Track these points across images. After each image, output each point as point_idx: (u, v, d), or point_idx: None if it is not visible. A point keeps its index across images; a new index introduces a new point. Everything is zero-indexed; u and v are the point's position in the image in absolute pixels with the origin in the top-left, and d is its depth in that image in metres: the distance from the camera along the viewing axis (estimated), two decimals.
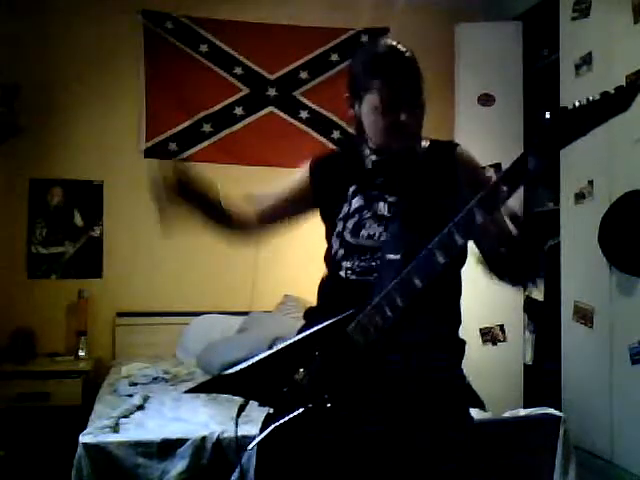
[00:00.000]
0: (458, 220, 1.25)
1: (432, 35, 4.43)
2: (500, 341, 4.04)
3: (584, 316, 3.35)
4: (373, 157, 1.58)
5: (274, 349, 1.48)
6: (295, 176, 1.73)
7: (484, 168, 1.63)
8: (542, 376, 3.94)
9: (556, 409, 2.44)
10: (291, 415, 1.41)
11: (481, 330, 3.99)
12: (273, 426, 1.43)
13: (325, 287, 1.65)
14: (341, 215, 1.59)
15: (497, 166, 4.00)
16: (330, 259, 1.61)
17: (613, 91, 1.06)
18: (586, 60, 3.38)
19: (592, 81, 3.34)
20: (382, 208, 1.55)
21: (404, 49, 1.52)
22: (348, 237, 1.57)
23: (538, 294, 3.92)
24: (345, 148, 1.75)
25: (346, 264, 1.55)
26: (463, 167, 1.57)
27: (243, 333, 3.64)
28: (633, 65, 3.04)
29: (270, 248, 4.11)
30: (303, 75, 4.42)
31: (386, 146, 1.54)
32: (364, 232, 1.55)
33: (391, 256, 1.46)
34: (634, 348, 3.01)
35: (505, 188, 1.19)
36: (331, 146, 4.38)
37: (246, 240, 1.80)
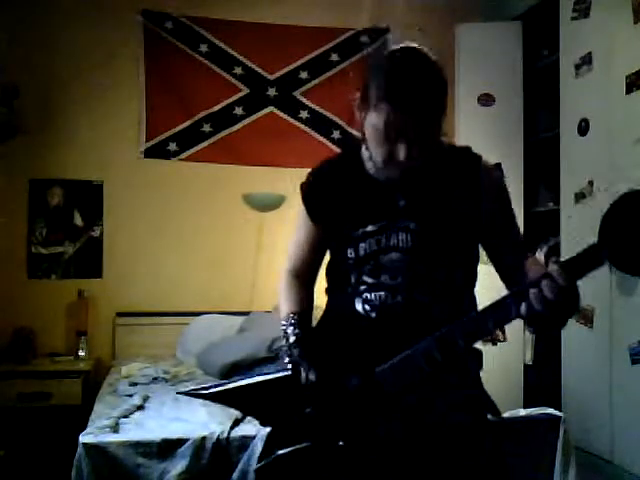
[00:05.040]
0: (517, 291, 1.21)
1: (432, 35, 4.42)
2: (500, 341, 4.03)
3: (584, 316, 3.35)
4: (387, 172, 1.40)
5: (287, 372, 1.40)
6: (302, 228, 1.58)
7: (505, 185, 1.52)
8: (542, 376, 3.94)
9: (556, 409, 2.44)
10: (299, 446, 1.35)
11: None
12: (278, 453, 1.37)
13: (339, 318, 1.51)
14: (351, 262, 1.45)
15: (497, 166, 4.00)
16: (343, 286, 1.48)
17: None
18: (586, 60, 3.38)
19: (592, 81, 3.34)
20: (404, 240, 1.41)
21: (429, 62, 1.33)
22: (368, 280, 1.44)
23: None
24: (344, 162, 1.56)
25: (366, 296, 1.43)
26: (489, 186, 1.46)
27: (243, 333, 3.64)
28: (633, 65, 3.03)
29: (270, 248, 4.13)
30: (303, 75, 4.42)
31: (383, 168, 1.39)
32: (385, 276, 1.42)
33: (418, 295, 1.39)
34: (634, 348, 3.01)
35: (566, 276, 1.16)
36: (331, 146, 4.37)
37: None
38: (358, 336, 1.41)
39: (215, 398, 1.49)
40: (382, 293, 1.41)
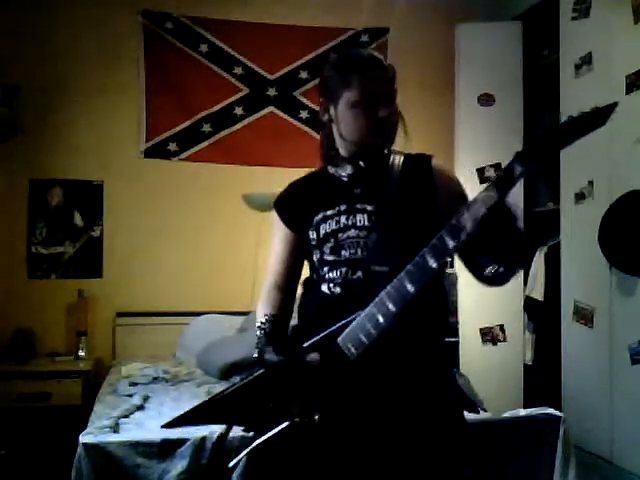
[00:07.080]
0: (450, 224, 1.26)
1: (432, 35, 4.43)
2: (500, 341, 4.04)
3: (584, 316, 3.35)
4: (348, 169, 1.59)
5: (255, 375, 1.45)
6: (278, 239, 1.69)
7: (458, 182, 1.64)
8: (542, 376, 3.94)
9: (556, 409, 2.44)
10: (277, 429, 1.38)
11: (481, 330, 3.99)
12: (258, 442, 1.40)
13: (309, 304, 1.60)
14: (313, 243, 1.57)
15: (497, 166, 4.01)
16: (311, 278, 1.60)
17: (592, 111, 1.16)
18: (586, 60, 3.38)
19: (592, 81, 3.34)
20: (362, 219, 1.53)
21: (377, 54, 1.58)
22: (329, 258, 1.54)
23: (538, 294, 3.92)
24: (310, 175, 1.73)
25: (329, 276, 1.53)
26: (440, 176, 1.57)
27: (243, 333, 3.64)
28: (633, 65, 3.04)
29: (270, 248, 4.13)
30: (303, 75, 4.42)
31: (366, 142, 1.53)
32: (345, 252, 1.52)
33: (377, 267, 1.45)
34: (634, 348, 3.01)
35: (495, 194, 1.23)
36: None
37: None
38: (326, 314, 1.46)
39: (193, 420, 1.53)
40: (343, 269, 1.51)
